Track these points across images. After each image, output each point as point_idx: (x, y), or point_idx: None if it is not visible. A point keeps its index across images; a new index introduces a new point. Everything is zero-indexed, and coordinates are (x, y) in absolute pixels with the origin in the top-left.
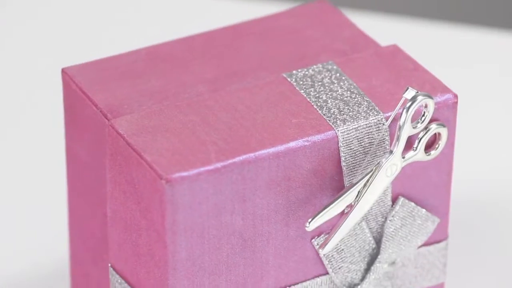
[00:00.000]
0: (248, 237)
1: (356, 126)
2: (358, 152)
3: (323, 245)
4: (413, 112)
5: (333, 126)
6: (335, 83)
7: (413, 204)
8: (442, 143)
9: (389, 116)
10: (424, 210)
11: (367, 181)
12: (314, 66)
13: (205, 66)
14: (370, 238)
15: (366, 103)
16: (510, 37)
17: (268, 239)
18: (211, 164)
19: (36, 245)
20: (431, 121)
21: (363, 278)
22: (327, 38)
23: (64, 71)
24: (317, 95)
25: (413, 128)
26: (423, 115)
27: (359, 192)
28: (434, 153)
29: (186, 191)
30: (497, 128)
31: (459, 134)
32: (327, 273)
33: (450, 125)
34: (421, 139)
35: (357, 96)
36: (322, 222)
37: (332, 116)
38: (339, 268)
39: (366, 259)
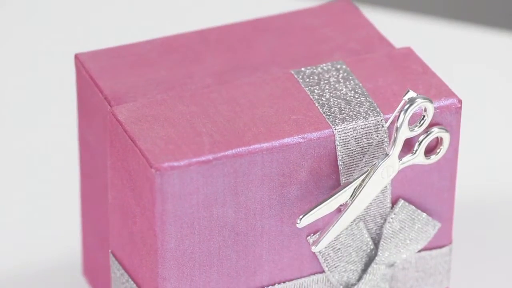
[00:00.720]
0: (241, 231)
1: (355, 126)
2: (355, 152)
3: (315, 243)
4: (410, 115)
5: (331, 124)
6: (341, 82)
7: (413, 207)
8: (444, 148)
9: (389, 118)
10: (424, 214)
11: (362, 181)
12: (323, 65)
13: (216, 58)
14: (368, 239)
15: (368, 104)
16: None
17: (261, 233)
18: (203, 156)
19: (49, 234)
20: (433, 125)
21: (359, 278)
22: (342, 38)
23: (77, 57)
24: (320, 93)
25: (411, 131)
26: (422, 118)
27: (353, 191)
28: (434, 157)
29: (176, 181)
30: (506, 132)
31: (466, 139)
32: (323, 271)
33: (454, 130)
34: (421, 142)
35: (361, 96)
36: (314, 220)
37: (332, 114)
38: (335, 267)
39: (363, 260)
